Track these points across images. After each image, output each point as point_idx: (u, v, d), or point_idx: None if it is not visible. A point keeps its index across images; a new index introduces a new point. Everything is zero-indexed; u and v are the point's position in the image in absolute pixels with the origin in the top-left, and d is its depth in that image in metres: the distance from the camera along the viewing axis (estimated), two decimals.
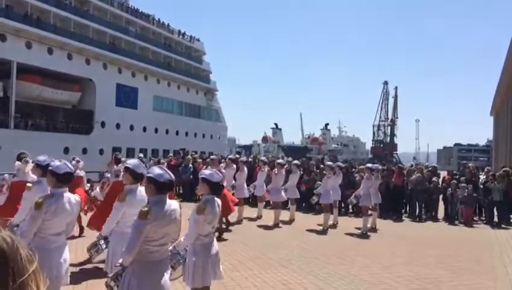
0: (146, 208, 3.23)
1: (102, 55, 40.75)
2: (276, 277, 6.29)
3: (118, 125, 42.42)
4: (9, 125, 32.75)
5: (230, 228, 10.00)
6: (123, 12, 45.64)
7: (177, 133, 50.84)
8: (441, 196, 13.35)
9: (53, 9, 36.53)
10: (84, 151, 36.94)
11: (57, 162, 4.13)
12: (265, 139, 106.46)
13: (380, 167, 12.56)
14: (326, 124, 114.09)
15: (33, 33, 33.98)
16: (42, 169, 4.68)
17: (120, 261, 3.27)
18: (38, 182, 4.88)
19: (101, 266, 5.55)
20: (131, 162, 4.54)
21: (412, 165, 16.42)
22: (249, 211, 12.07)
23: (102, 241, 4.61)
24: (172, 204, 3.43)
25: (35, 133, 33.85)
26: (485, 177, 13.38)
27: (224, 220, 9.58)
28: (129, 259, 3.18)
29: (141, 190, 4.30)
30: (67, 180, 4.04)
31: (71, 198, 3.84)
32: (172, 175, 3.53)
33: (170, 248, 3.82)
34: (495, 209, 12.71)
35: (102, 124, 40.75)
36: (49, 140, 32.60)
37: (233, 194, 11.42)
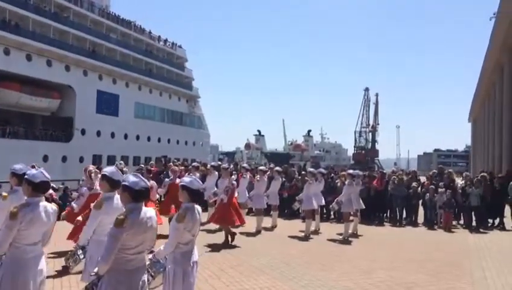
0: (122, 216, 3.20)
1: (83, 62, 40.30)
2: (257, 283, 6.27)
3: (98, 133, 41.92)
4: None
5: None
6: (104, 18, 45.27)
7: (159, 140, 50.51)
8: (420, 201, 13.53)
9: (32, 15, 36.02)
10: (64, 159, 36.41)
11: (33, 171, 4.06)
12: (248, 146, 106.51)
13: (361, 173, 12.68)
14: (309, 131, 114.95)
15: (12, 40, 33.44)
16: (18, 178, 4.59)
17: (95, 270, 3.22)
18: (14, 191, 4.79)
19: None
20: (108, 169, 4.49)
21: (393, 171, 16.60)
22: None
23: (80, 251, 4.53)
24: (148, 211, 3.40)
25: (13, 141, 33.23)
26: (463, 182, 13.61)
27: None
28: (105, 268, 3.14)
29: (118, 197, 4.25)
30: (43, 189, 3.97)
31: (48, 207, 3.77)
32: (147, 182, 3.51)
33: (150, 256, 3.78)
34: (473, 213, 12.92)
35: (83, 132, 40.21)
36: (28, 148, 32.04)
37: (215, 201, 11.40)
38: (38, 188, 3.87)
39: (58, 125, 39.27)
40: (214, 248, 8.70)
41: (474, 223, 12.78)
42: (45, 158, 32.99)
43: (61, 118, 39.83)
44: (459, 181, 14.10)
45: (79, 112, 39.47)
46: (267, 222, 11.54)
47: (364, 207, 11.62)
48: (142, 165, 16.45)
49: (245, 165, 14.50)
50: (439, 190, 12.90)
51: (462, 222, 13.26)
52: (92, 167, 7.84)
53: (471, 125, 50.70)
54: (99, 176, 6.88)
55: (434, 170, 16.01)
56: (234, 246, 9.00)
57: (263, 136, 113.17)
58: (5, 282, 3.51)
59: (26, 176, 3.96)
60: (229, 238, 9.21)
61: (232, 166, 16.19)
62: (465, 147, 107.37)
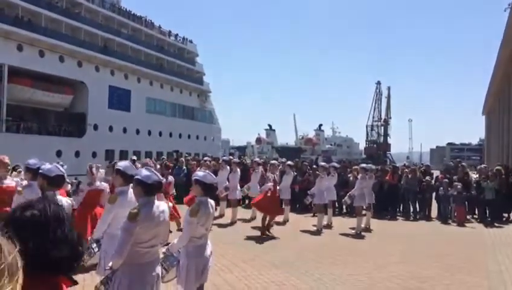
0: (135, 210, 3.21)
1: (95, 58, 40.51)
2: (270, 277, 6.27)
3: (110, 128, 42.20)
4: (1, 129, 32.47)
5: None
6: (115, 14, 45.44)
7: (170, 135, 50.67)
8: (434, 195, 13.41)
9: (44, 11, 36.25)
10: (77, 154, 36.72)
11: (48, 165, 4.11)
12: (259, 140, 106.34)
13: (374, 167, 12.59)
14: (320, 125, 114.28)
15: (24, 36, 33.72)
16: (32, 173, 4.64)
17: (110, 264, 3.24)
18: (29, 186, 4.84)
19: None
20: (122, 164, 4.50)
21: (404, 165, 16.46)
22: (242, 213, 12.05)
23: (94, 245, 4.55)
24: (160, 205, 3.42)
25: (27, 136, 33.58)
26: (478, 175, 13.45)
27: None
28: (119, 262, 3.15)
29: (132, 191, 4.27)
30: (58, 183, 4.01)
31: (63, 201, 3.80)
32: (160, 176, 3.52)
33: (164, 250, 3.80)
34: (487, 207, 12.77)
35: (95, 127, 40.51)
36: (41, 143, 32.38)
37: (226, 195, 11.45)
38: (54, 182, 3.91)
39: (71, 121, 39.61)
40: (226, 241, 8.72)
41: (488, 217, 12.63)
42: (58, 153, 33.28)
43: (73, 113, 40.16)
44: (473, 175, 13.94)
45: (91, 107, 39.75)
46: (278, 216, 11.52)
47: (374, 202, 11.56)
48: (135, 157, 16.57)
49: (257, 159, 14.50)
50: (454, 183, 12.76)
51: (476, 216, 13.13)
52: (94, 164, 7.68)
53: (485, 118, 50.01)
54: (101, 171, 6.90)
55: (451, 162, 15.83)
56: (246, 240, 9.02)
57: (274, 130, 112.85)
58: None
59: (41, 171, 4.01)
60: (265, 229, 9.38)
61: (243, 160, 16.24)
62: (479, 141, 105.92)
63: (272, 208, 9.55)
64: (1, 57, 31.66)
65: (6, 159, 5.82)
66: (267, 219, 9.56)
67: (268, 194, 9.51)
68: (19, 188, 5.17)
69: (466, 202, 12.68)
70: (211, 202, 4.09)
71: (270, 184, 9.62)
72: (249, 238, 9.21)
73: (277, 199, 9.98)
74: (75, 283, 1.40)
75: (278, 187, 10.07)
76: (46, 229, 1.34)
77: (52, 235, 1.34)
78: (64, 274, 1.38)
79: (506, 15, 23.99)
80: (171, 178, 9.82)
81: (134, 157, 16.13)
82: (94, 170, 7.13)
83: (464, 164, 14.86)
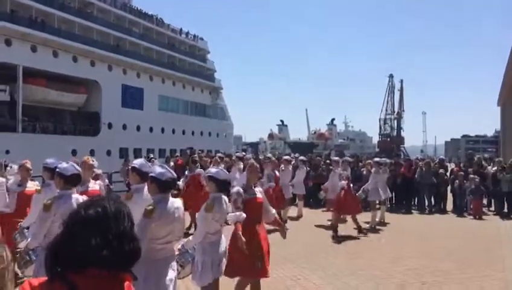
0: (151, 207, 3.26)
1: (107, 57, 40.91)
2: (285, 272, 6.30)
3: (124, 126, 42.63)
4: (17, 129, 32.99)
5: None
6: (126, 13, 45.78)
7: (183, 132, 50.98)
8: (449, 188, 13.28)
9: (57, 12, 36.71)
10: (92, 152, 37.11)
11: (64, 164, 4.17)
12: (271, 136, 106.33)
13: (388, 161, 12.50)
14: (332, 119, 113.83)
15: (38, 37, 34.20)
16: (50, 172, 4.71)
17: None
18: (47, 185, 4.92)
19: None
20: (137, 161, 4.55)
21: (417, 158, 16.31)
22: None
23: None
24: (175, 202, 3.46)
25: (42, 136, 34.11)
26: (495, 168, 13.28)
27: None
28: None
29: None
30: (75, 181, 4.08)
31: (79, 199, 3.87)
32: (174, 173, 3.56)
33: (179, 246, 3.84)
34: (505, 200, 12.61)
35: (109, 126, 40.96)
36: (56, 143, 32.84)
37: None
38: (70, 180, 3.98)
39: (85, 120, 40.13)
40: None
41: (505, 210, 12.48)
42: (74, 152, 33.72)
43: (88, 112, 40.66)
44: (489, 167, 13.77)
45: (105, 106, 40.19)
46: (292, 211, 11.54)
47: (391, 195, 11.47)
48: (151, 155, 16.69)
49: (269, 155, 14.52)
50: (470, 176, 12.62)
51: (492, 208, 12.97)
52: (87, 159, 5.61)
53: (500, 110, 49.26)
54: (14, 167, 6.25)
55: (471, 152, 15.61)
56: None
57: (286, 126, 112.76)
58: None
59: (57, 170, 4.08)
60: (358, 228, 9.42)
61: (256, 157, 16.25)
62: (495, 132, 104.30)
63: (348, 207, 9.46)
64: (16, 58, 32.17)
65: (29, 164, 5.80)
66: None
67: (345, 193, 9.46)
68: (38, 187, 5.27)
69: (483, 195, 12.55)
70: (225, 198, 4.13)
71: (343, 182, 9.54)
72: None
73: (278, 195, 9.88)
74: (136, 278, 1.45)
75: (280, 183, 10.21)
76: (109, 226, 1.39)
77: (115, 231, 1.39)
78: (127, 270, 1.42)
79: None
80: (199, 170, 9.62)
81: (152, 156, 16.29)
82: (87, 168, 5.27)
83: (479, 156, 14.68)
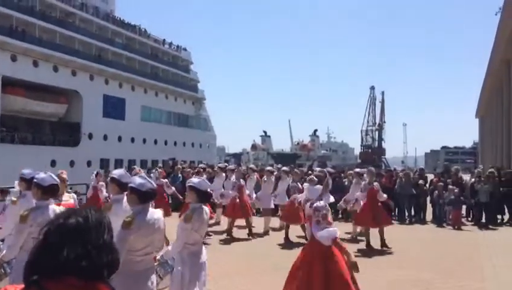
0: (129, 218, 3.22)
1: (89, 67, 40.55)
2: (263, 285, 6.26)
3: (105, 137, 42.14)
4: None
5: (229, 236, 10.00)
6: (109, 23, 45.55)
7: (165, 143, 50.65)
8: (428, 199, 13.46)
9: (38, 21, 36.33)
10: (72, 163, 36.59)
11: (42, 174, 4.11)
12: (254, 147, 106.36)
13: (373, 169, 12.55)
14: (315, 131, 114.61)
15: (18, 46, 33.75)
16: (27, 182, 4.64)
17: None
18: (23, 196, 4.84)
19: None
20: (117, 172, 4.52)
21: (394, 169, 16.51)
22: (238, 219, 12.01)
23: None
24: (155, 213, 3.43)
25: (21, 146, 33.50)
26: (473, 178, 13.51)
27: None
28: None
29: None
30: (53, 192, 4.01)
31: (57, 210, 3.80)
32: (154, 184, 3.54)
33: (158, 257, 3.80)
34: (483, 210, 12.83)
35: (90, 136, 40.46)
36: (35, 153, 32.28)
37: (221, 203, 11.43)
38: (48, 191, 3.91)
39: (65, 130, 39.57)
40: (220, 248, 8.71)
41: (483, 220, 12.69)
42: (53, 163, 33.18)
43: (68, 123, 40.13)
44: (467, 178, 14.01)
45: (86, 116, 39.72)
46: (274, 222, 11.52)
47: None
48: (136, 167, 16.47)
49: (252, 165, 14.52)
50: (449, 187, 12.82)
51: (470, 218, 13.17)
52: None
53: (479, 122, 50.32)
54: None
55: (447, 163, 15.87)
56: (242, 247, 9.01)
57: (269, 136, 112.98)
58: None
59: (35, 180, 4.01)
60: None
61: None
62: (473, 144, 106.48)
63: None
64: None
65: (64, 175, 5.77)
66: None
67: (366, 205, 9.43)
68: (13, 198, 5.17)
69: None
70: (206, 208, 4.11)
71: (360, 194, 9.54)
72: (245, 244, 9.20)
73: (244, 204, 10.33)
74: (113, 289, 1.43)
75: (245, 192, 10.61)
76: (89, 236, 1.38)
77: (95, 242, 1.38)
78: (104, 281, 1.40)
79: (498, 19, 24.31)
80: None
81: (135, 167, 16.09)
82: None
83: (457, 167, 14.94)
